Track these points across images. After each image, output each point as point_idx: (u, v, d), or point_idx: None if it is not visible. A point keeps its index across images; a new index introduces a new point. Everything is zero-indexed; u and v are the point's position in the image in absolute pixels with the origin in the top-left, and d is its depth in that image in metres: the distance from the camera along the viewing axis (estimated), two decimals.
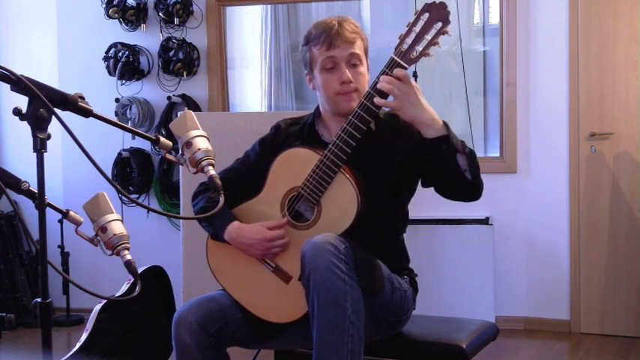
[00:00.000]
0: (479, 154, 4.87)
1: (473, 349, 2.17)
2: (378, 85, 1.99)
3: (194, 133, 1.61)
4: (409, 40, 1.99)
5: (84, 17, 4.92)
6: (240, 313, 2.14)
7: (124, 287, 2.74)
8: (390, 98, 1.99)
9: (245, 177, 2.26)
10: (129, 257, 1.58)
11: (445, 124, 1.99)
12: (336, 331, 1.88)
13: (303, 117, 2.32)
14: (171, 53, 4.66)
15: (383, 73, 2.00)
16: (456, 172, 2.00)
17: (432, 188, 2.13)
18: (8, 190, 1.56)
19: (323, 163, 2.05)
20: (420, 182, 2.22)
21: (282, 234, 2.11)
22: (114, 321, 2.75)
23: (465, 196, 2.09)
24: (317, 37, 2.15)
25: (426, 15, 1.98)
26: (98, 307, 2.73)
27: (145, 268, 2.80)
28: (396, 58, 2.00)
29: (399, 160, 2.15)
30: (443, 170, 2.02)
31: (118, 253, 1.58)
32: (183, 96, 4.73)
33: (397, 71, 1.97)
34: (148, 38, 4.79)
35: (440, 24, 1.98)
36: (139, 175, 4.73)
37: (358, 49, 2.16)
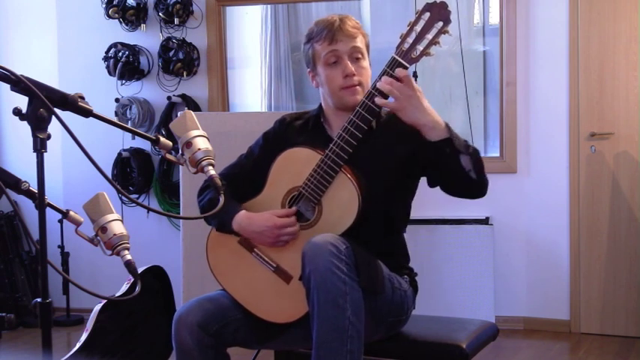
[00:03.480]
0: None
1: (473, 349, 2.17)
2: (378, 85, 1.99)
3: (194, 133, 1.61)
4: (410, 40, 2.00)
5: (84, 17, 4.92)
6: (240, 314, 2.14)
7: (124, 287, 2.74)
8: (392, 99, 1.99)
9: (249, 172, 2.27)
10: (129, 257, 1.58)
11: (447, 126, 1.99)
12: (336, 331, 1.88)
13: (308, 111, 2.34)
14: (171, 53, 4.66)
15: (384, 72, 2.00)
16: (461, 172, 2.01)
17: (438, 187, 2.14)
18: (8, 190, 1.56)
19: (324, 163, 2.05)
20: (422, 181, 2.21)
21: (292, 221, 2.11)
22: (114, 321, 2.75)
23: (470, 194, 2.11)
24: (319, 33, 2.18)
25: (427, 14, 1.99)
26: (98, 307, 2.73)
27: (144, 268, 2.80)
28: (397, 57, 2.00)
29: (401, 159, 2.15)
30: (447, 171, 2.03)
31: (118, 253, 1.58)
32: (183, 96, 4.73)
33: (398, 71, 1.97)
34: (148, 38, 4.79)
35: (441, 23, 1.98)
36: (139, 175, 4.73)
37: (360, 43, 2.18)
